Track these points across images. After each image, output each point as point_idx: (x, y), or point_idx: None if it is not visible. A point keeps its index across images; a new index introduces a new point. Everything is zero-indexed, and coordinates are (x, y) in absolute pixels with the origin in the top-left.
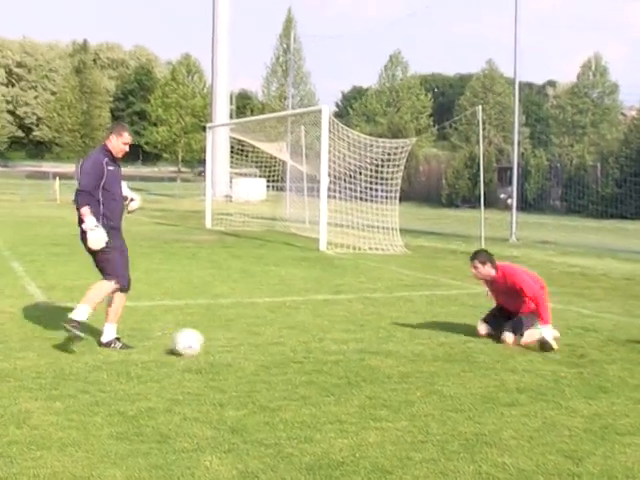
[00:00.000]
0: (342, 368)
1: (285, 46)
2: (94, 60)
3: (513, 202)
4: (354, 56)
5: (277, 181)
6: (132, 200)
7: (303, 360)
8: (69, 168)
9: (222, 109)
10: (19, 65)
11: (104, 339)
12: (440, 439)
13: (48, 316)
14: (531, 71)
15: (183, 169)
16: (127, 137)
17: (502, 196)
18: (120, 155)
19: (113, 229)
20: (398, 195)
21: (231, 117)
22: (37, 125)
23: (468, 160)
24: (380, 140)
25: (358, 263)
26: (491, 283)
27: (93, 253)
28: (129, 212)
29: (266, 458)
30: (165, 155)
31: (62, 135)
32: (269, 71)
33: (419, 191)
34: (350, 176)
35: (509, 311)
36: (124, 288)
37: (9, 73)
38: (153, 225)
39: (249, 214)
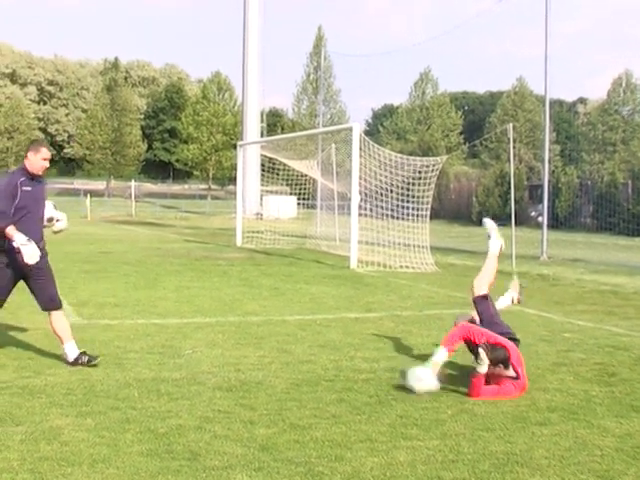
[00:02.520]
0: (373, 386)
1: (315, 64)
2: (125, 78)
3: (544, 220)
4: (385, 74)
5: (308, 199)
6: (58, 220)
7: (334, 378)
8: (100, 185)
9: (253, 127)
10: (50, 83)
11: (70, 358)
12: (471, 458)
13: (79, 333)
14: (562, 88)
15: (213, 186)
16: (45, 152)
17: (533, 214)
18: (40, 172)
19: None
20: (429, 213)
21: (262, 135)
22: (68, 142)
23: (499, 178)
24: (411, 158)
25: (389, 281)
26: None
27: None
28: (55, 232)
29: (296, 477)
30: (196, 173)
31: (93, 152)
32: (299, 89)
33: (449, 209)
34: (381, 194)
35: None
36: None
37: (41, 91)
38: (184, 242)
39: (279, 232)
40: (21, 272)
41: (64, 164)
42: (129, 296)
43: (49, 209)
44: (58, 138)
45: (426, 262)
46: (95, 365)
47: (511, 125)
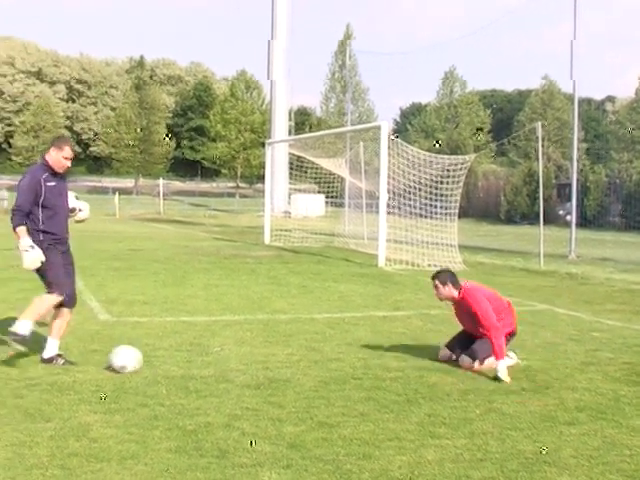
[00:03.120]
0: (401, 385)
1: (342, 62)
2: (150, 76)
3: (572, 218)
4: (413, 72)
5: (336, 197)
6: (80, 210)
7: (362, 376)
8: (128, 183)
9: (281, 125)
10: (79, 81)
11: (45, 355)
12: (499, 457)
13: (108, 330)
14: (590, 87)
15: (242, 185)
16: (68, 151)
17: (561, 212)
18: (62, 170)
19: (57, 243)
20: (457, 211)
21: (290, 133)
22: (94, 141)
23: (527, 176)
24: (439, 156)
25: (417, 279)
26: (454, 305)
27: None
28: (77, 222)
29: (324, 474)
30: (224, 171)
31: (121, 150)
32: (327, 87)
33: (477, 207)
34: (409, 192)
35: (473, 335)
36: (67, 302)
37: (69, 89)
38: (212, 241)
39: (308, 230)
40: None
41: (92, 162)
42: (158, 294)
43: (71, 200)
44: (84, 136)
45: (454, 261)
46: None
47: (540, 124)
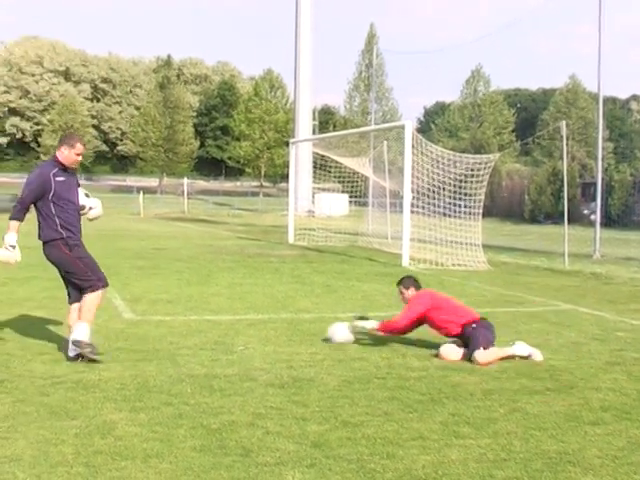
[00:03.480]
0: (425, 384)
1: (367, 61)
2: (177, 76)
3: (597, 218)
4: (437, 71)
5: (359, 196)
6: (91, 208)
7: (386, 376)
8: (153, 182)
9: (305, 124)
10: (104, 81)
11: (72, 353)
12: (523, 457)
13: (132, 328)
14: (615, 85)
15: (265, 184)
16: (80, 148)
17: (585, 212)
18: (73, 166)
19: (76, 240)
20: (481, 211)
21: (314, 132)
22: (121, 140)
23: (551, 175)
24: (463, 156)
25: (441, 279)
26: None
27: (60, 266)
28: (90, 220)
29: (348, 474)
30: (248, 170)
31: (146, 150)
32: (351, 86)
33: (501, 207)
34: (433, 191)
35: (448, 334)
36: (106, 286)
37: (94, 88)
38: (236, 239)
39: (331, 229)
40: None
41: (117, 161)
42: (182, 292)
43: (81, 197)
44: (111, 135)
45: (478, 260)
46: (96, 361)
47: (564, 123)
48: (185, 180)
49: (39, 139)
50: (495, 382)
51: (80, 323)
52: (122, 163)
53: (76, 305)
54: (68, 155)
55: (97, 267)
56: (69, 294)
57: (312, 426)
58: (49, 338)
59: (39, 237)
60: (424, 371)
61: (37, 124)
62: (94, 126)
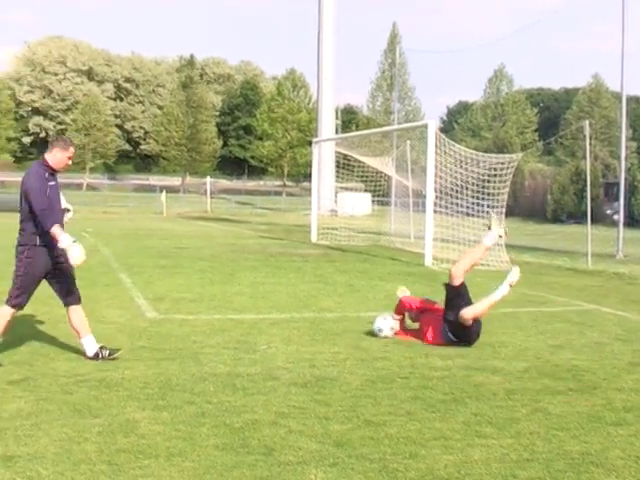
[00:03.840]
0: (447, 384)
1: (390, 61)
2: (200, 75)
3: (620, 218)
4: (460, 71)
5: (382, 196)
6: (68, 211)
7: (409, 375)
8: (176, 181)
9: (328, 124)
10: (127, 80)
11: (89, 353)
12: (546, 458)
13: (155, 327)
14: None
15: (288, 183)
16: (72, 151)
17: (608, 212)
18: (62, 169)
19: (52, 245)
20: (504, 210)
21: (336, 132)
22: (144, 139)
23: (574, 175)
24: (486, 155)
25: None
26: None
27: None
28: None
29: (371, 473)
30: (270, 169)
31: (169, 149)
32: (374, 86)
33: (524, 206)
34: (456, 191)
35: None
36: (72, 301)
37: (117, 88)
38: (259, 239)
39: (354, 228)
40: (48, 266)
41: (140, 160)
42: (205, 291)
43: (62, 201)
44: (134, 135)
45: (501, 260)
46: (116, 358)
47: (587, 122)
48: (208, 179)
49: None
50: (518, 382)
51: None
52: (145, 162)
53: (71, 307)
54: (61, 158)
55: (27, 290)
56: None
57: (335, 425)
58: (73, 337)
59: (17, 236)
60: (447, 371)
61: (60, 123)
62: (117, 125)
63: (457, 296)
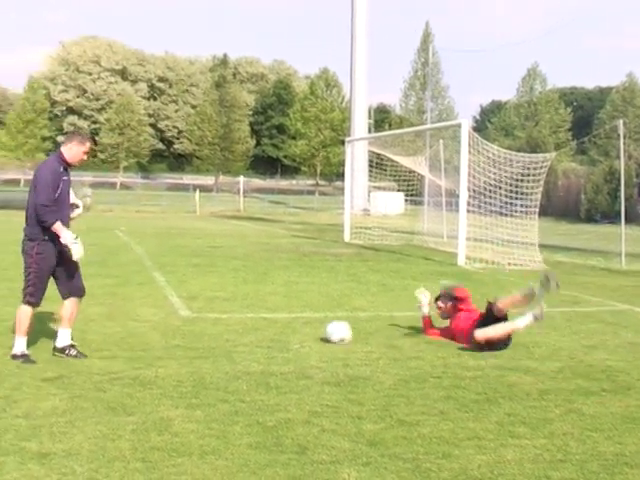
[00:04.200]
0: (480, 384)
1: (423, 60)
2: (234, 74)
3: None
4: (493, 69)
5: (415, 195)
6: (77, 207)
7: (441, 375)
8: (209, 181)
9: (361, 123)
10: (161, 79)
11: (59, 344)
12: (579, 458)
13: (189, 326)
14: None
15: (321, 182)
16: (89, 146)
17: None
18: (78, 164)
19: (49, 247)
20: (537, 210)
21: (369, 131)
22: (178, 138)
23: (608, 175)
24: (519, 154)
25: (497, 278)
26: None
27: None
28: (71, 219)
29: (403, 473)
30: (303, 168)
31: (202, 148)
32: (407, 85)
33: (557, 206)
34: (489, 190)
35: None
36: (74, 293)
37: (151, 87)
38: (292, 238)
39: (387, 228)
40: (55, 261)
41: (174, 159)
42: (238, 290)
43: (72, 196)
44: (168, 134)
45: (534, 260)
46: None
47: (621, 121)
48: (241, 178)
49: (96, 137)
50: (551, 382)
51: (17, 337)
52: (178, 161)
53: (70, 299)
54: (77, 152)
55: (42, 286)
56: (59, 291)
57: (368, 425)
58: (107, 335)
59: (24, 230)
60: (480, 370)
61: (94, 123)
62: (151, 125)
63: (495, 322)
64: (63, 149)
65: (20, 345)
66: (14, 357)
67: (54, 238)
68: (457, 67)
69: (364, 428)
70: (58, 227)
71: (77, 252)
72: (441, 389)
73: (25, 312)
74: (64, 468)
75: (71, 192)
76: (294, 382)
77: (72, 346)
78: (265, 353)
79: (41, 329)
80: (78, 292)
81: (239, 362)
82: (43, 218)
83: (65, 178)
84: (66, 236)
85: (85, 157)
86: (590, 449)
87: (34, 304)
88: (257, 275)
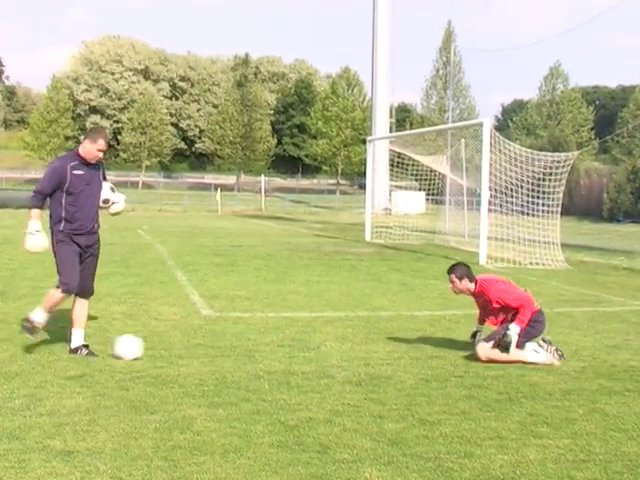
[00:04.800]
0: (502, 383)
1: (445, 59)
2: (255, 74)
3: None
4: (515, 68)
5: (436, 194)
6: (114, 203)
7: (463, 374)
8: (230, 180)
9: (382, 122)
10: (182, 79)
11: (72, 345)
12: (603, 459)
13: (210, 325)
14: None
15: (342, 182)
16: (101, 144)
17: None
18: (94, 161)
19: (78, 234)
20: (559, 209)
21: (391, 130)
22: (199, 137)
23: (630, 174)
24: (541, 154)
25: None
26: (474, 298)
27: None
28: (112, 215)
29: (425, 472)
30: (324, 168)
31: (223, 147)
32: (429, 84)
33: (579, 205)
34: (510, 190)
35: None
36: (81, 293)
37: (173, 87)
38: (313, 237)
39: (408, 227)
40: (78, 248)
41: (195, 159)
42: (259, 289)
43: (105, 191)
44: (189, 133)
45: (556, 259)
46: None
47: None
48: (262, 178)
49: (119, 137)
50: (573, 382)
51: (39, 307)
52: (200, 161)
53: (79, 299)
54: (89, 149)
55: (71, 271)
56: None
57: (389, 424)
58: (129, 333)
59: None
60: (501, 370)
61: (117, 122)
62: (172, 124)
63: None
64: (80, 146)
65: (38, 315)
66: (25, 321)
67: (71, 232)
68: (479, 66)
69: (385, 427)
70: (32, 213)
71: (30, 243)
72: (463, 388)
73: (55, 294)
74: (88, 466)
75: (106, 188)
76: (315, 381)
77: (85, 346)
78: (286, 352)
79: (64, 328)
80: (85, 293)
81: (260, 361)
82: (30, 201)
83: (79, 172)
84: (31, 225)
85: (100, 154)
86: (613, 449)
87: (67, 292)
88: (278, 274)
